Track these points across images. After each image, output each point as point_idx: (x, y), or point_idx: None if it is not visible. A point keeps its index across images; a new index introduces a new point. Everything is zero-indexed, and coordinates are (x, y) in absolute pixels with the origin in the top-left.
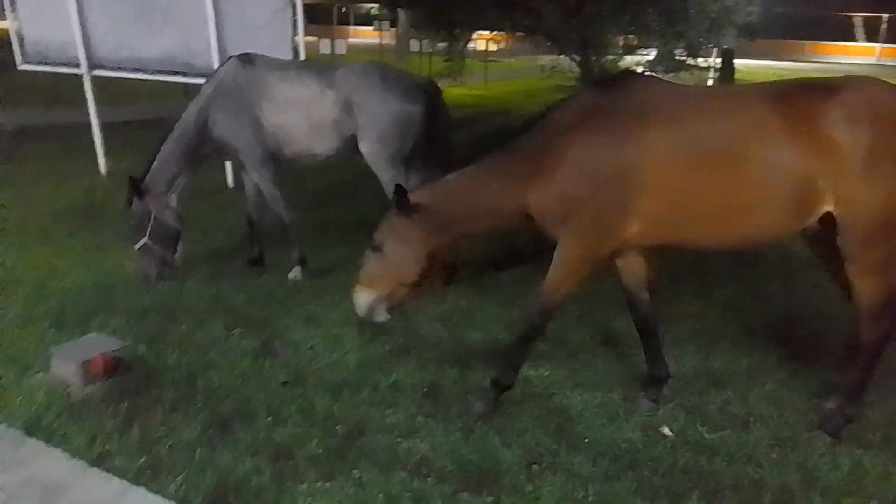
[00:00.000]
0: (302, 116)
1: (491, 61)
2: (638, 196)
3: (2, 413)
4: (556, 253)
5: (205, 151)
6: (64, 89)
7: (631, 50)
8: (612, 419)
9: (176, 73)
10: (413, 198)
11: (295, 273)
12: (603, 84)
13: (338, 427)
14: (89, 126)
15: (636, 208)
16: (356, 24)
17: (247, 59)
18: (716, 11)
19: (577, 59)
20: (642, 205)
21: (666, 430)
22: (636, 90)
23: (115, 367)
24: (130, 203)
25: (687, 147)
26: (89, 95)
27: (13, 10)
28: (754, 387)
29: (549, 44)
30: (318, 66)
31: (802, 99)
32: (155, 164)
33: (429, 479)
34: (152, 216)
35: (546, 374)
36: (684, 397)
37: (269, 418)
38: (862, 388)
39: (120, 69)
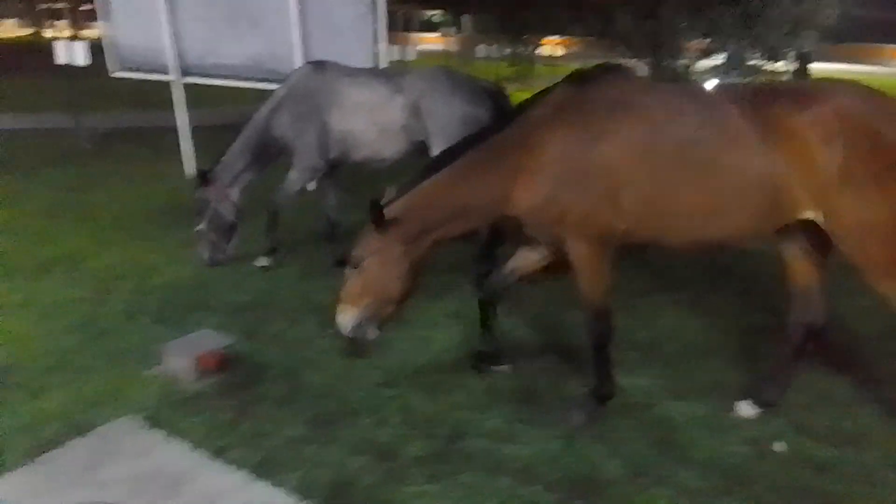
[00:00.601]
0: (370, 121)
1: (558, 65)
2: (622, 191)
3: (123, 405)
4: (571, 259)
5: (271, 152)
6: (148, 93)
7: (706, 54)
8: (716, 432)
9: (262, 79)
10: (388, 212)
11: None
12: (577, 78)
13: (438, 430)
14: (174, 129)
15: (622, 205)
16: (419, 30)
17: (319, 65)
18: (796, 14)
19: (649, 62)
20: (625, 201)
21: (777, 447)
22: (610, 84)
23: (225, 363)
24: (197, 189)
25: (658, 144)
26: (177, 102)
27: (108, 18)
28: (864, 403)
29: (620, 47)
30: (386, 72)
31: (773, 106)
32: (224, 157)
33: (535, 486)
34: (211, 206)
35: (643, 383)
36: (793, 413)
37: (370, 418)
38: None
39: (207, 76)
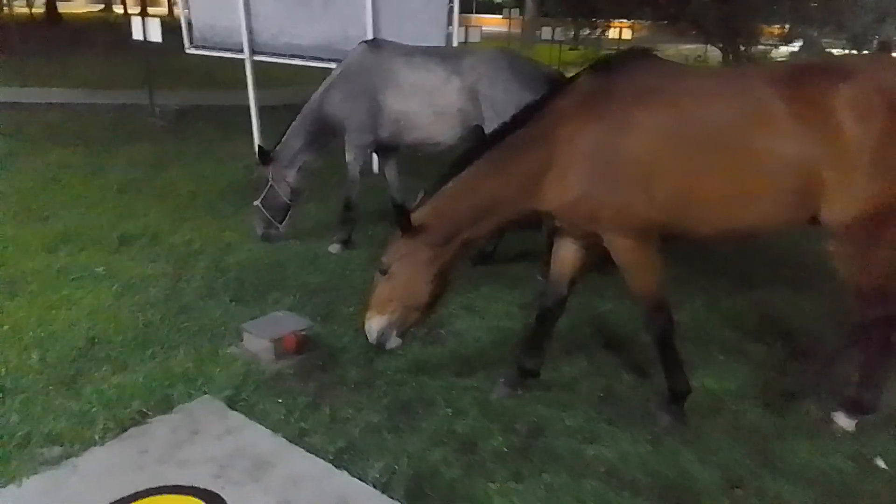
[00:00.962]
0: (426, 103)
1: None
2: (652, 181)
3: (204, 383)
4: (614, 255)
5: (326, 132)
6: (219, 72)
7: (787, 40)
8: (814, 443)
9: (332, 59)
10: (416, 217)
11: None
12: (602, 66)
13: (517, 425)
14: (243, 108)
15: (654, 195)
16: (479, 11)
17: (375, 44)
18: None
19: (724, 48)
20: (657, 191)
21: (880, 463)
22: (637, 71)
23: (304, 345)
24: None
25: (687, 131)
26: (250, 80)
27: None
28: None
29: (693, 32)
30: (444, 53)
31: (811, 83)
32: (285, 136)
33: (623, 492)
34: (268, 183)
35: (732, 387)
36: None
37: (448, 408)
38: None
39: (279, 55)
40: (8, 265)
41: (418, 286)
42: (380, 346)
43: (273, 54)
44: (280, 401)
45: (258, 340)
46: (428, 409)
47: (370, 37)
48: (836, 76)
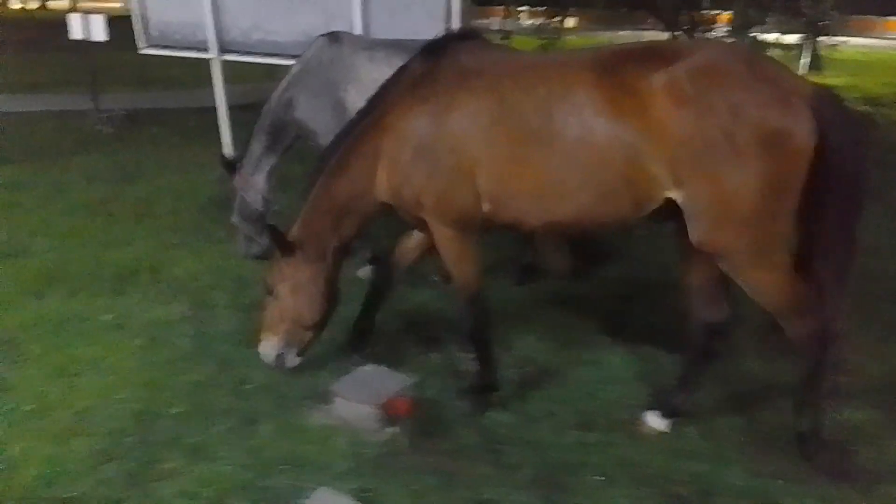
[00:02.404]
0: None
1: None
2: (475, 169)
3: (305, 465)
4: (435, 242)
5: (289, 133)
6: (168, 72)
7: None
8: None
9: None
10: (291, 235)
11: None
12: (429, 50)
13: (678, 488)
14: (199, 110)
15: (479, 183)
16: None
17: (334, 37)
18: None
19: (684, 35)
20: (480, 179)
21: None
22: (464, 54)
23: (415, 408)
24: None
25: (506, 117)
26: (218, 82)
27: None
28: None
29: (650, 20)
30: (409, 46)
31: (629, 69)
32: (250, 144)
33: None
34: (239, 195)
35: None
36: None
37: (593, 475)
38: (814, 395)
39: (252, 53)
40: None
41: (305, 305)
42: (279, 368)
43: (245, 53)
44: (403, 483)
45: (357, 406)
46: (576, 479)
47: (358, 30)
48: (655, 61)
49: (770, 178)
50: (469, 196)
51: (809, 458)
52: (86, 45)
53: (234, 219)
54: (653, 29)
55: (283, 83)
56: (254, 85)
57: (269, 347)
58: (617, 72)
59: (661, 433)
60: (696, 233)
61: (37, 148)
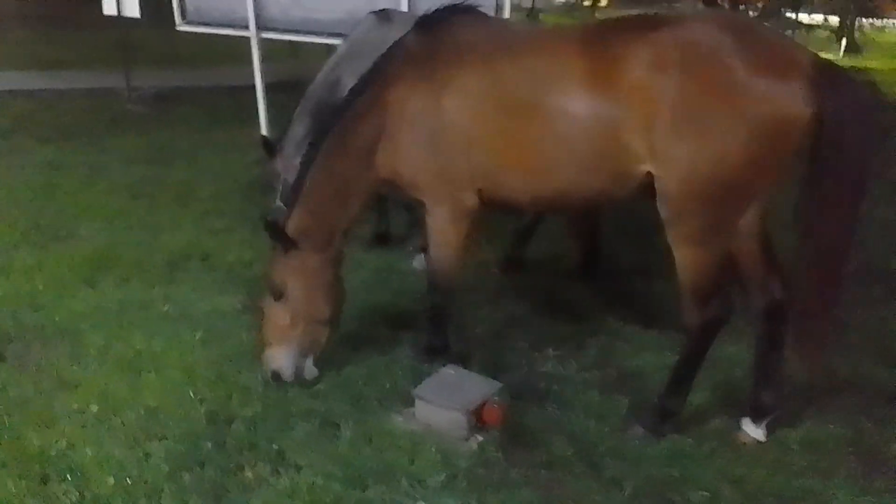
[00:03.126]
0: None
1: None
2: (470, 145)
3: (405, 481)
4: (427, 223)
5: (334, 115)
6: (185, 48)
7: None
8: None
9: None
10: (290, 227)
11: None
12: (425, 24)
13: None
14: (229, 89)
15: (473, 160)
16: None
17: (384, 16)
18: None
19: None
20: (474, 155)
21: None
22: (461, 29)
23: (507, 415)
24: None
25: (498, 91)
26: (256, 61)
27: None
28: None
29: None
30: None
31: (614, 40)
32: (290, 125)
33: None
34: (282, 178)
35: None
36: None
37: (705, 492)
38: (684, 381)
39: (291, 31)
40: (47, 308)
41: (321, 297)
42: (296, 382)
43: (285, 31)
44: (501, 499)
45: (444, 412)
46: (681, 496)
47: (404, 8)
48: (640, 31)
49: (752, 156)
50: (465, 174)
51: (654, 431)
52: (118, 22)
53: (279, 203)
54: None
55: (330, 63)
56: (278, 64)
57: (283, 359)
58: (601, 42)
59: (760, 443)
60: (661, 202)
61: (71, 127)
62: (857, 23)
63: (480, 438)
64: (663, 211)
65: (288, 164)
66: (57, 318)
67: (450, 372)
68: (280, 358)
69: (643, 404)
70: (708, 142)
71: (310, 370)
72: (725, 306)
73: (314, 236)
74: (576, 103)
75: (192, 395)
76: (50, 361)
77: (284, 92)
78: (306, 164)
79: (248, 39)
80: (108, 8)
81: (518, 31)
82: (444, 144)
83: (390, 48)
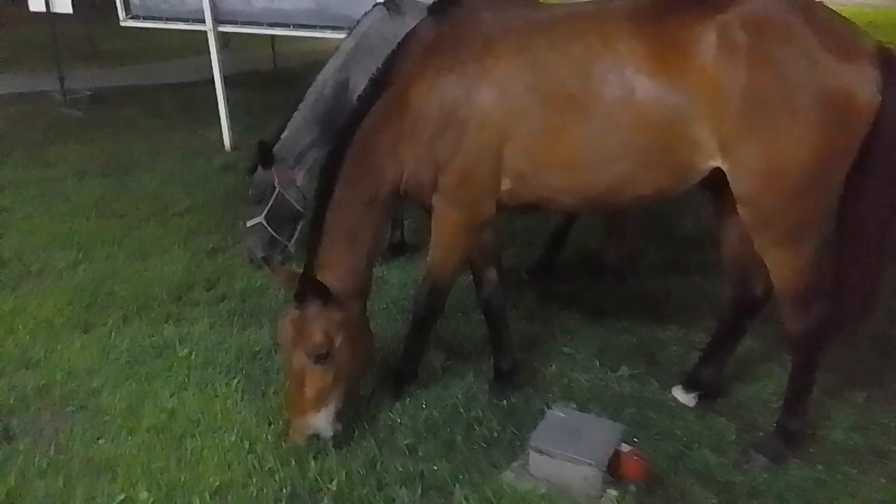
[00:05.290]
0: None
1: None
2: (504, 143)
3: None
4: (433, 224)
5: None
6: (120, 45)
7: None
8: None
9: (328, 27)
10: (324, 275)
11: None
12: (441, 8)
13: None
14: (171, 87)
15: (505, 159)
16: None
17: (394, 7)
18: None
19: None
20: (508, 154)
21: None
22: (483, 11)
23: (650, 467)
24: (254, 170)
25: (539, 82)
26: (214, 56)
27: None
28: None
29: None
30: None
31: (675, 17)
32: (286, 132)
33: None
34: (276, 190)
35: None
36: None
37: None
38: (801, 397)
39: (254, 23)
40: (42, 365)
41: (362, 347)
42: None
43: (246, 23)
44: None
45: (571, 466)
46: None
47: None
48: (703, 9)
49: (828, 142)
50: (491, 175)
51: (777, 459)
52: (48, 18)
53: (261, 219)
54: None
55: (335, 63)
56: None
57: (325, 422)
58: (659, 22)
59: None
60: (742, 204)
61: (4, 139)
62: None
63: (614, 493)
64: (746, 215)
65: (286, 175)
66: (59, 377)
67: (559, 415)
68: (316, 426)
69: (747, 429)
70: (785, 131)
71: (336, 426)
72: (831, 309)
73: (350, 278)
74: (636, 92)
75: (257, 465)
76: (69, 436)
77: (228, 87)
78: (324, 196)
79: (189, 32)
80: (35, 4)
81: (549, 11)
82: (474, 144)
83: (402, 42)
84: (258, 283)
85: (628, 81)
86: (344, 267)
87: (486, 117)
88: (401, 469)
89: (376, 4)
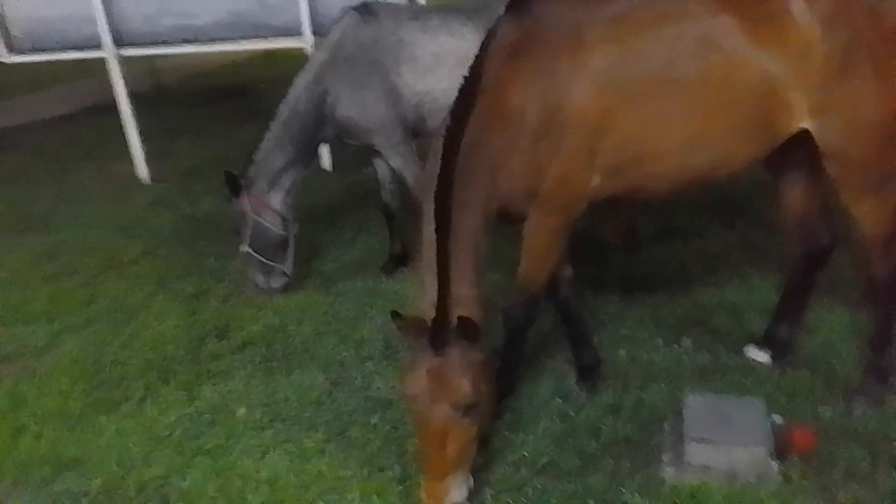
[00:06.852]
0: (456, 77)
1: None
2: (601, 139)
3: None
4: (525, 233)
5: (322, 137)
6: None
7: None
8: None
9: (247, 37)
10: (467, 309)
11: None
12: (517, 6)
13: None
14: (53, 121)
15: (600, 155)
16: None
17: (368, 11)
18: None
19: None
20: (604, 150)
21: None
22: (560, 3)
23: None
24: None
25: (634, 71)
26: (118, 84)
27: None
28: None
29: None
30: (464, 8)
31: None
32: (258, 154)
33: None
34: (251, 219)
35: None
36: None
37: None
38: (887, 337)
39: (161, 43)
40: (85, 462)
41: (495, 391)
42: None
43: (151, 44)
44: None
45: (738, 450)
46: None
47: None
48: None
49: None
50: (586, 177)
51: (877, 400)
52: None
53: (245, 248)
54: None
55: (306, 78)
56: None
57: (463, 484)
58: None
59: None
60: (830, 160)
61: None
62: None
63: (777, 466)
64: (833, 168)
65: (258, 201)
66: (114, 471)
67: (696, 399)
68: (463, 485)
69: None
70: (870, 85)
71: (469, 482)
72: None
73: (481, 312)
74: (736, 68)
75: None
76: None
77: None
78: (443, 227)
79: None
80: None
81: None
82: (570, 143)
83: (484, 45)
84: (274, 321)
85: (728, 58)
86: (476, 301)
87: (582, 113)
88: (559, 490)
89: (348, 10)
